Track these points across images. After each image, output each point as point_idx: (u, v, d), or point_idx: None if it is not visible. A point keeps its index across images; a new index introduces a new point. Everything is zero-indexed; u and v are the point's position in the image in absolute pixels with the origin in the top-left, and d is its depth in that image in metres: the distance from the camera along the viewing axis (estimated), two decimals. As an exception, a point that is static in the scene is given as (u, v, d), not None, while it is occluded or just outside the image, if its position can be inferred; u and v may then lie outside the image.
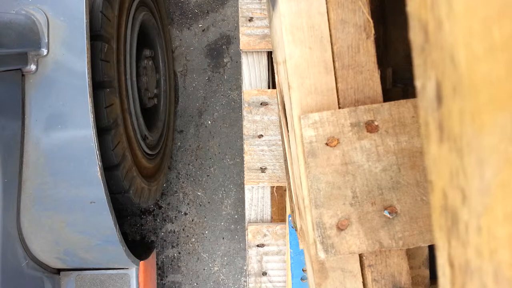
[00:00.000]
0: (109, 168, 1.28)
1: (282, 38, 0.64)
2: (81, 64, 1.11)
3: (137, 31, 1.53)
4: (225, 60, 2.01)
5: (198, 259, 1.97)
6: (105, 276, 1.40)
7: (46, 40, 1.10)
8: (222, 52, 2.01)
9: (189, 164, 1.99)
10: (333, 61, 0.64)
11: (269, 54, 1.23)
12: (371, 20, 0.63)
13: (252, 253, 1.21)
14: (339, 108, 0.64)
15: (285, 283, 1.20)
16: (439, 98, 0.32)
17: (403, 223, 0.61)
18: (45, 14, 1.10)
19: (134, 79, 1.49)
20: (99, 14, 1.21)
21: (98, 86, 1.21)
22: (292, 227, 1.03)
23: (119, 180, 1.31)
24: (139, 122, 1.53)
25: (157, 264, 1.94)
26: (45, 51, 1.11)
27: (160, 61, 1.83)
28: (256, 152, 1.20)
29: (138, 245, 1.90)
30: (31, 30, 1.08)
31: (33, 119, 1.12)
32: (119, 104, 1.31)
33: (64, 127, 1.12)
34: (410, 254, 0.83)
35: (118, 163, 1.29)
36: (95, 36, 1.21)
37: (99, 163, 1.14)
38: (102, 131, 1.22)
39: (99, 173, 1.14)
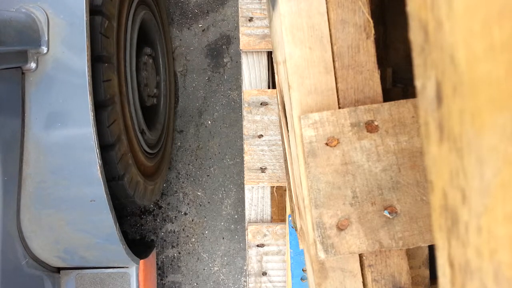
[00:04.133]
0: (113, 179, 1.28)
1: (282, 38, 0.64)
2: (81, 62, 1.11)
3: (137, 30, 1.53)
4: (225, 60, 2.01)
5: (198, 259, 1.97)
6: (105, 274, 1.40)
7: (46, 38, 1.10)
8: (222, 52, 2.01)
9: (189, 164, 1.99)
10: (333, 61, 0.64)
11: (269, 54, 1.23)
12: (371, 20, 0.63)
13: (252, 253, 1.21)
14: (339, 108, 0.64)
15: (285, 283, 1.20)
16: (439, 98, 0.32)
17: (403, 223, 0.61)
18: (45, 12, 1.10)
19: (134, 78, 1.49)
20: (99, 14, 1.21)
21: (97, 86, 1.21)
22: (292, 227, 1.03)
23: (121, 184, 1.31)
24: (139, 120, 1.53)
25: (157, 264, 1.94)
26: (45, 49, 1.11)
27: (160, 60, 1.83)
28: (256, 152, 1.20)
29: (138, 244, 1.90)
30: (31, 28, 1.08)
31: (33, 117, 1.12)
32: (119, 103, 1.31)
33: (64, 125, 1.12)
34: (410, 254, 0.83)
35: (122, 174, 1.29)
36: (95, 35, 1.21)
37: (99, 161, 1.14)
38: (102, 131, 1.22)
39: (99, 171, 1.14)
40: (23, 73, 1.11)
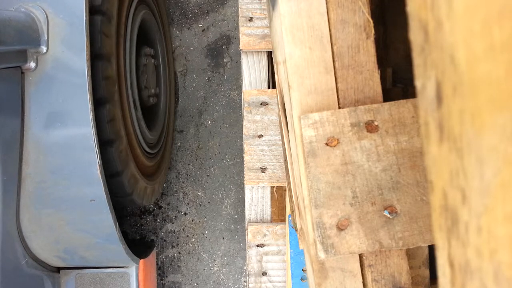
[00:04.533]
0: (112, 176, 1.28)
1: (282, 38, 0.64)
2: (81, 62, 1.10)
3: (137, 29, 1.53)
4: (225, 60, 2.01)
5: (198, 259, 1.97)
6: (105, 274, 1.40)
7: (46, 38, 1.10)
8: (222, 52, 2.01)
9: (189, 164, 1.99)
10: (333, 61, 0.64)
11: (269, 54, 1.23)
12: (371, 20, 0.63)
13: (252, 253, 1.21)
14: (339, 108, 0.64)
15: (285, 283, 1.20)
16: (439, 98, 0.32)
17: (403, 223, 0.61)
18: (45, 12, 1.10)
19: (134, 77, 1.49)
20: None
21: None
22: (292, 227, 1.03)
23: (122, 185, 1.31)
24: (139, 120, 1.53)
25: (157, 264, 1.94)
26: (44, 49, 1.10)
27: (160, 60, 1.83)
28: (256, 152, 1.20)
29: (138, 244, 1.90)
30: (31, 28, 1.08)
31: (32, 117, 1.12)
32: (119, 102, 1.31)
33: (63, 124, 1.12)
34: (410, 254, 0.83)
35: (121, 172, 1.29)
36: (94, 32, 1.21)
37: (99, 161, 1.14)
38: (103, 135, 1.22)
39: (98, 171, 1.14)
40: (22, 73, 1.11)
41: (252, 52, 1.22)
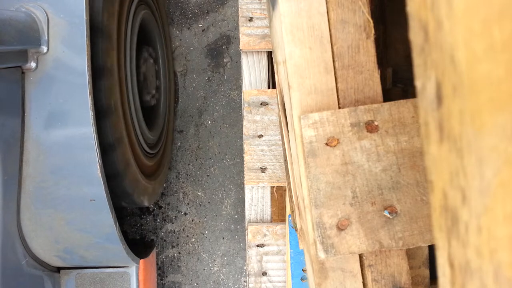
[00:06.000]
0: (113, 178, 1.28)
1: (282, 38, 0.64)
2: (81, 62, 1.11)
3: (137, 28, 1.54)
4: (225, 60, 2.01)
5: (198, 259, 1.97)
6: (105, 274, 1.40)
7: (46, 38, 1.10)
8: (222, 52, 2.01)
9: (189, 164, 1.99)
10: (333, 61, 0.64)
11: (269, 54, 1.23)
12: (371, 20, 0.63)
13: (252, 253, 1.21)
14: (339, 108, 0.64)
15: (285, 283, 1.20)
16: (439, 98, 0.32)
17: (403, 223, 0.61)
18: (45, 12, 1.10)
19: (134, 78, 1.49)
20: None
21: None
22: (292, 227, 1.03)
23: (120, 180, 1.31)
24: (139, 120, 1.53)
25: (157, 264, 1.94)
26: (45, 49, 1.11)
27: (160, 60, 1.84)
28: (256, 152, 1.20)
29: (138, 243, 1.90)
30: (31, 28, 1.08)
31: (33, 117, 1.12)
32: (119, 102, 1.31)
33: (64, 124, 1.12)
34: (410, 254, 0.83)
35: (123, 175, 1.29)
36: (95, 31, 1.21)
37: (99, 161, 1.14)
38: (101, 122, 1.22)
39: (99, 171, 1.14)
40: (23, 73, 1.11)
41: (252, 52, 1.23)
